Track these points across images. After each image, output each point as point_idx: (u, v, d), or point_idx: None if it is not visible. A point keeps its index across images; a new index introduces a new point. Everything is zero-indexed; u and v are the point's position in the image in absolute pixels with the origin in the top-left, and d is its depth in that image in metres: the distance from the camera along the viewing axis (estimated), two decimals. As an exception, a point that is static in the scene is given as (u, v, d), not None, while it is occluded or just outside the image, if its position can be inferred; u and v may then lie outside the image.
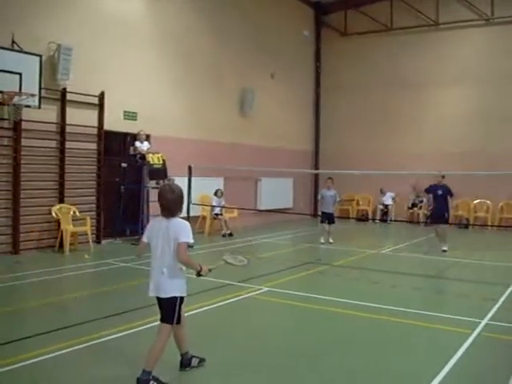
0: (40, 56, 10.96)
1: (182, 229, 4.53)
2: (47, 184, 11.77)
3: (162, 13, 14.51)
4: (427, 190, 13.36)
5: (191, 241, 4.55)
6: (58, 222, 11.70)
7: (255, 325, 6.83)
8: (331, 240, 13.85)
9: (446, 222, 12.86)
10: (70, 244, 11.62)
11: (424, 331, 6.59)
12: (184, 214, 13.36)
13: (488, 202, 18.29)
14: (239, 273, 9.53)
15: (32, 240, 11.48)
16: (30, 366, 5.01)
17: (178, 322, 4.64)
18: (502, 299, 8.14)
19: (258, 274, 9.64)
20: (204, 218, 15.24)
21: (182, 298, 4.63)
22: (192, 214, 13.94)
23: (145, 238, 4.75)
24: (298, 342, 6.10)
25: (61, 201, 11.95)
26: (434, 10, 18.99)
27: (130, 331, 6.15)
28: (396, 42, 19.76)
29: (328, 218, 13.86)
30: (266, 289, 8.48)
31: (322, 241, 13.81)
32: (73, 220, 11.89)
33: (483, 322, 6.83)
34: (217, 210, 15.16)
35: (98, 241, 12.72)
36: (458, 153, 18.09)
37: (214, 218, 15.27)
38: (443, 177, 13.08)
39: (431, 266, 11.37)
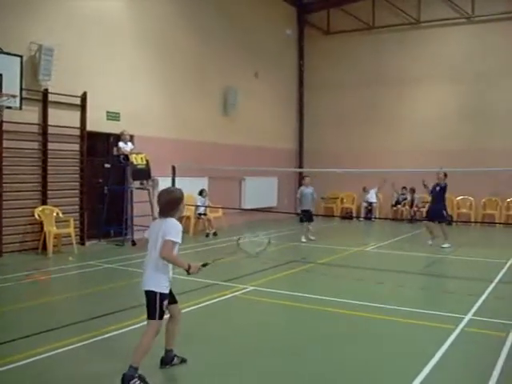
0: (21, 57, 10.83)
1: (171, 227, 4.67)
2: (30, 186, 11.66)
3: (144, 13, 14.44)
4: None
5: (178, 240, 4.66)
6: (41, 223, 11.60)
7: (241, 324, 6.82)
8: (312, 237, 13.92)
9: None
10: (54, 246, 11.52)
11: (408, 328, 6.64)
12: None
13: (471, 198, 18.47)
14: (224, 272, 9.62)
15: (15, 242, 11.37)
16: (23, 367, 5.01)
17: (161, 317, 4.69)
18: (485, 295, 8.23)
19: (243, 273, 9.66)
20: (188, 218, 15.17)
21: (161, 294, 4.67)
22: (176, 214, 13.87)
23: (146, 234, 4.93)
24: (284, 340, 6.12)
25: (43, 202, 11.86)
26: (416, 8, 19.14)
27: (121, 330, 6.17)
28: (378, 40, 19.88)
29: (307, 216, 13.92)
30: (251, 288, 8.48)
31: (304, 240, 13.88)
32: (56, 222, 11.80)
33: (467, 318, 6.90)
34: (201, 210, 15.12)
35: (81, 242, 12.63)
36: (441, 150, 18.24)
37: (198, 218, 15.24)
38: (445, 174, 13.25)
39: (415, 262, 11.45)
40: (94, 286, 8.69)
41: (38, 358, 5.24)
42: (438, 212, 13.17)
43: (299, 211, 14.57)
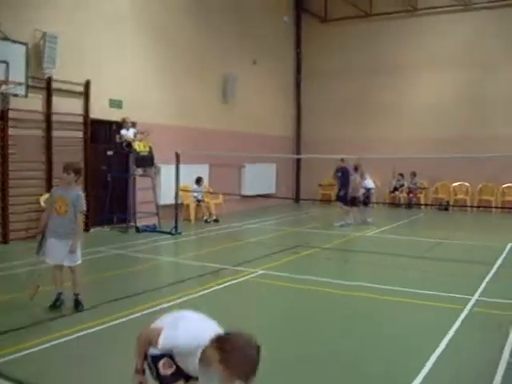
0: (26, 44, 10.87)
1: None
2: (35, 173, 11.72)
3: (146, 1, 14.48)
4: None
5: None
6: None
7: (258, 305, 7.04)
8: (369, 219, 15.01)
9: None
10: (60, 233, 11.60)
11: (418, 308, 6.86)
12: (172, 201, 13.50)
13: (467, 184, 18.72)
14: (232, 257, 9.80)
15: (21, 230, 11.44)
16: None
17: None
18: (488, 277, 8.46)
19: (251, 257, 9.81)
20: (188, 205, 15.26)
21: None
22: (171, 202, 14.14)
23: None
24: (301, 320, 6.31)
25: (48, 190, 11.85)
26: (413, -5, 19.26)
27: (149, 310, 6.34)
28: (376, 28, 19.94)
29: (355, 201, 14.87)
30: (261, 271, 8.65)
31: (349, 221, 14.50)
32: (61, 209, 11.86)
33: (473, 299, 7.12)
34: (198, 197, 15.23)
35: (86, 229, 12.68)
36: (438, 137, 18.42)
37: (197, 205, 15.35)
38: (342, 160, 14.59)
39: (416, 246, 11.65)
40: (112, 270, 8.84)
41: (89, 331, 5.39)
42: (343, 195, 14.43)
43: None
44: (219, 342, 2.82)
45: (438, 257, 10.61)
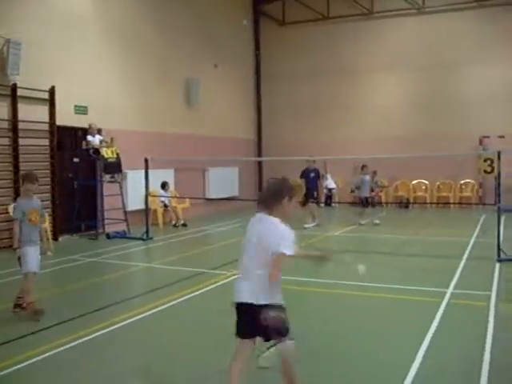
0: (-10, 51, 10.69)
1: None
2: (2, 182, 11.51)
3: (108, 6, 14.38)
4: (302, 175, 14.86)
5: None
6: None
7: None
8: (377, 221, 14.84)
9: (316, 199, 15.03)
10: (29, 242, 11.41)
11: (397, 303, 7.13)
12: (143, 206, 13.45)
13: (426, 181, 19.30)
14: (208, 261, 9.87)
15: (-11, 240, 11.22)
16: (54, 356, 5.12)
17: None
18: (458, 270, 8.83)
19: (226, 260, 9.86)
20: (155, 210, 15.20)
21: None
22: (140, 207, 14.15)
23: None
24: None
25: (15, 199, 11.68)
26: (369, -1, 19.76)
27: (135, 318, 6.35)
28: (333, 30, 20.34)
29: (366, 202, 15.05)
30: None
31: (363, 222, 14.70)
32: (30, 218, 11.67)
33: (449, 292, 7.44)
34: (165, 202, 15.21)
35: (54, 238, 12.53)
36: (397, 137, 18.95)
37: (164, 210, 15.34)
38: (314, 161, 14.95)
39: (385, 244, 12.01)
40: (87, 279, 8.76)
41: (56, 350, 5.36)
42: (311, 193, 14.68)
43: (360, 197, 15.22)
44: None
45: (408, 253, 10.97)
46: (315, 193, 14.85)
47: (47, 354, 5.25)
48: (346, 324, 6.30)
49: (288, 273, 8.51)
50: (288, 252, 3.66)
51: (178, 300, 7.22)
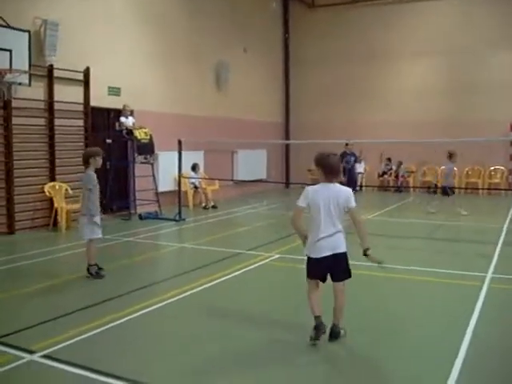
0: (28, 32, 10.77)
1: (350, 195, 4.96)
2: (38, 162, 11.66)
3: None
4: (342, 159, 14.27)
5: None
6: (50, 200, 11.66)
7: (286, 286, 7.25)
8: (464, 212, 13.63)
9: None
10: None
11: (440, 286, 7.12)
12: (173, 187, 13.58)
13: (454, 168, 19.09)
14: (244, 242, 9.96)
15: (26, 219, 11.41)
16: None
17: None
18: (495, 255, 8.79)
19: (262, 242, 9.97)
20: (185, 192, 15.30)
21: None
22: (171, 189, 14.43)
23: (303, 203, 5.04)
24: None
25: (52, 179, 11.89)
26: (400, -19, 19.48)
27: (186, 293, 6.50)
28: (363, 14, 20.13)
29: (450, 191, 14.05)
30: (277, 255, 8.82)
31: (432, 210, 13.84)
32: (65, 198, 11.87)
33: (488, 276, 7.43)
34: (196, 183, 15.32)
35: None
36: (426, 122, 18.78)
37: (194, 191, 15.46)
38: (352, 145, 14.21)
39: (419, 229, 11.93)
40: (130, 257, 9.00)
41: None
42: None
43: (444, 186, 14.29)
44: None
45: (444, 238, 10.92)
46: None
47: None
48: (400, 303, 6.45)
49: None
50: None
51: (229, 276, 7.51)
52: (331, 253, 4.88)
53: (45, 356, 4.65)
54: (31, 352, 4.72)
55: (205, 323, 5.64)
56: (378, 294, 6.86)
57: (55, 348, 4.82)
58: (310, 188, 5.05)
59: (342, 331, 5.02)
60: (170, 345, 5.09)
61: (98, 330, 5.30)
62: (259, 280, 7.58)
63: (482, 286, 6.91)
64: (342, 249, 4.93)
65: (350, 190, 4.99)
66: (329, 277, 5.03)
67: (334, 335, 4.95)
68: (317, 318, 4.89)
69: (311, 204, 4.94)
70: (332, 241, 4.89)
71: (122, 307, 6.01)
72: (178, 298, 6.44)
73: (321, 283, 5.07)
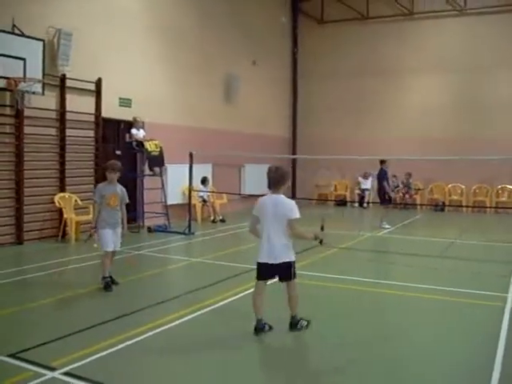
0: (43, 41, 10.74)
1: (293, 206, 5.40)
2: (49, 172, 11.58)
3: (156, 3, 14.45)
4: (383, 176, 14.63)
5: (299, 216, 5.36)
6: (59, 210, 11.54)
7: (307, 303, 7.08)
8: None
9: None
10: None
11: (460, 305, 6.98)
12: (181, 200, 13.50)
13: (462, 186, 19.06)
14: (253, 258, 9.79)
15: (35, 230, 11.29)
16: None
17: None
18: (512, 275, 8.66)
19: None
20: (194, 205, 15.17)
21: (294, 262, 5.58)
22: (179, 202, 14.43)
23: (254, 212, 5.66)
24: (352, 316, 6.38)
25: (62, 189, 11.79)
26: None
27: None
28: (372, 30, 20.18)
29: None
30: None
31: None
32: (74, 209, 11.75)
33: (509, 296, 7.28)
34: (204, 197, 15.19)
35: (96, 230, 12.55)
36: (434, 139, 18.73)
37: (203, 205, 15.33)
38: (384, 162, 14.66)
39: (431, 246, 11.77)
40: (150, 270, 8.93)
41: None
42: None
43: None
44: None
45: (456, 256, 10.76)
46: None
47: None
48: (418, 326, 6.22)
49: (336, 272, 8.55)
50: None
51: (244, 293, 7.28)
52: (274, 262, 5.44)
53: (66, 373, 4.50)
54: (52, 369, 4.57)
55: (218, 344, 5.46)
56: (396, 313, 6.73)
57: (76, 365, 4.68)
58: (259, 198, 5.66)
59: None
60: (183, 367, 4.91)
61: (116, 348, 5.14)
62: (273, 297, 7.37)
63: (503, 306, 6.77)
64: (286, 258, 5.45)
65: (293, 201, 5.49)
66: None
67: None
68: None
69: (259, 214, 5.50)
70: (274, 250, 5.41)
71: (139, 323, 5.88)
72: (196, 314, 6.33)
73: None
